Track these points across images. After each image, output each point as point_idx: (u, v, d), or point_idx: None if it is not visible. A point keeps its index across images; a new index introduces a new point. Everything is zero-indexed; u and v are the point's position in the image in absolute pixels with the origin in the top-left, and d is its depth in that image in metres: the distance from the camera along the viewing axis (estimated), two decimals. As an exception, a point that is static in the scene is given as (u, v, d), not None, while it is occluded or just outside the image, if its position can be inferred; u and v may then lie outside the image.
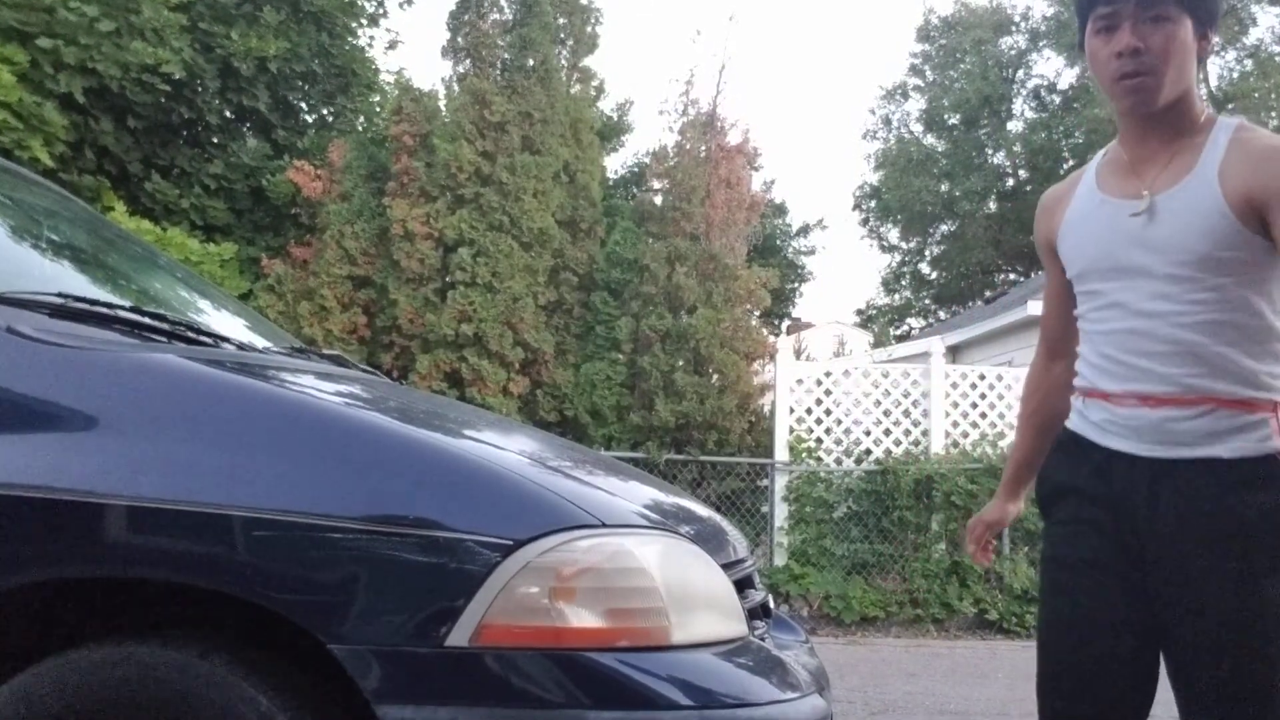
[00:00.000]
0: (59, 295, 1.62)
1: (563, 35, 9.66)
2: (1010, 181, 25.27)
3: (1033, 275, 19.14)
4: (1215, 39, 1.54)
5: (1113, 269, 1.56)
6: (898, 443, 7.73)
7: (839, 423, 7.82)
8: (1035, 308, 11.67)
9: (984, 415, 7.72)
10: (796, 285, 22.33)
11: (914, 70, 27.19)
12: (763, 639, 1.64)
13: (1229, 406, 1.49)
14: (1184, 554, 1.50)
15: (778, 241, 21.24)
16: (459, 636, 1.33)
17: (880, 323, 27.32)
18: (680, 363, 8.23)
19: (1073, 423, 1.69)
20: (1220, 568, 1.48)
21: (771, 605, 1.94)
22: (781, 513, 7.57)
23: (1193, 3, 1.49)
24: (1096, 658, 1.57)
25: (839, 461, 7.73)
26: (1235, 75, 24.29)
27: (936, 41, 26.53)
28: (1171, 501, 1.52)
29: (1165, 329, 1.52)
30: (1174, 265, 1.50)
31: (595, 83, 10.28)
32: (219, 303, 2.39)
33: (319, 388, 1.73)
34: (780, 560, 7.46)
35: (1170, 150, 1.54)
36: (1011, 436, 8.18)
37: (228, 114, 10.01)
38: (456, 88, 9.26)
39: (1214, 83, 24.64)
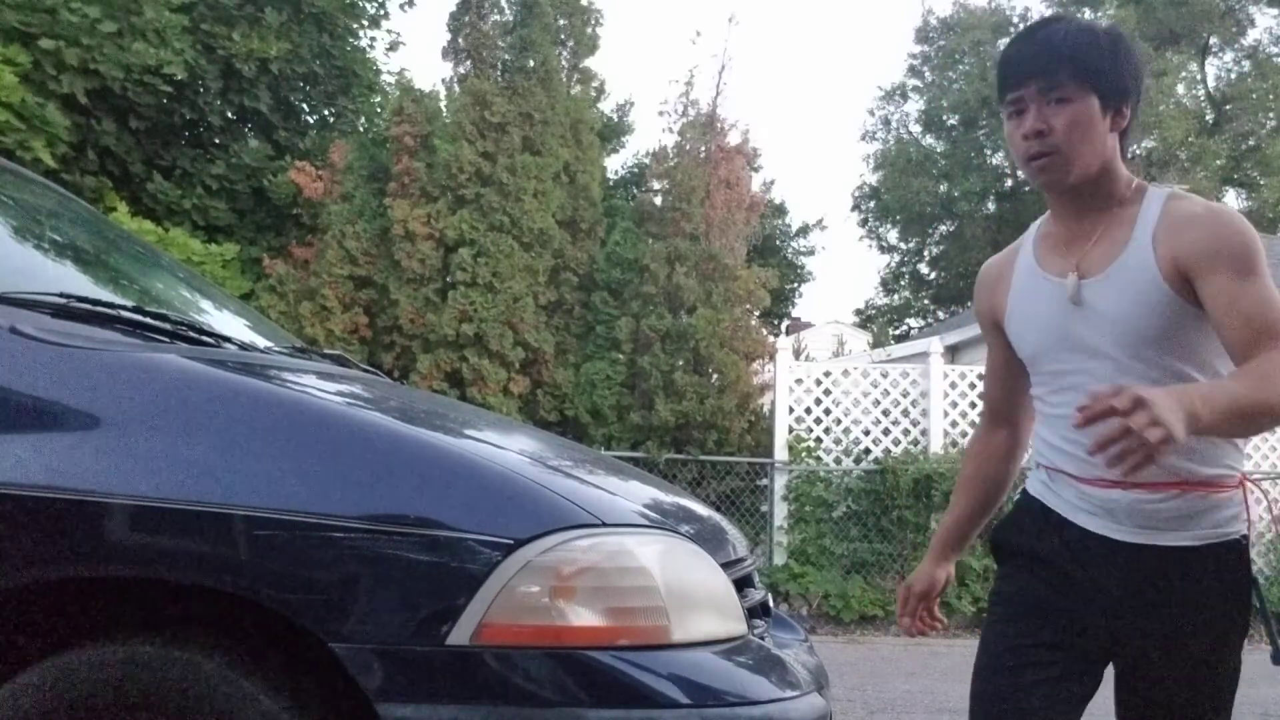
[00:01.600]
0: (62, 295, 1.63)
1: (563, 36, 9.67)
2: (1009, 182, 25.26)
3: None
4: (1132, 110, 1.52)
5: (1065, 349, 1.55)
6: (897, 442, 7.74)
7: (838, 422, 7.83)
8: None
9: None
10: (796, 285, 22.33)
11: (913, 71, 27.20)
12: (762, 638, 1.64)
13: (1197, 489, 1.49)
14: (1149, 637, 1.54)
15: (777, 241, 21.24)
16: (460, 635, 1.34)
17: (879, 323, 27.32)
18: (680, 363, 8.24)
19: (1037, 490, 1.66)
20: (1187, 652, 1.54)
21: (771, 604, 1.94)
22: (781, 512, 7.58)
23: (1096, 81, 1.48)
24: (1028, 684, 1.55)
25: (838, 461, 7.74)
26: (1234, 76, 24.29)
27: (935, 43, 26.53)
28: (1146, 587, 1.53)
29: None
30: (1121, 345, 1.49)
31: (595, 84, 10.29)
32: (221, 303, 2.39)
33: (320, 387, 1.73)
34: (780, 559, 7.46)
35: (1102, 222, 1.54)
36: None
37: (229, 115, 10.01)
38: (457, 89, 9.27)
39: (1212, 84, 24.65)
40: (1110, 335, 1.50)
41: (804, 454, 7.72)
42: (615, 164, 12.37)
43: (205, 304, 2.33)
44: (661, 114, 9.94)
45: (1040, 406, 1.65)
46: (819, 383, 7.90)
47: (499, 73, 9.12)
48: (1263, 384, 1.35)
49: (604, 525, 1.44)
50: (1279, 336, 1.41)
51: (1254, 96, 23.06)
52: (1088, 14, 23.24)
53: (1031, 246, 1.65)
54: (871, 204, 27.60)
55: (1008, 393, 1.77)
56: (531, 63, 8.96)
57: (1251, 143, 23.55)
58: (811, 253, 23.00)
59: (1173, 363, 1.49)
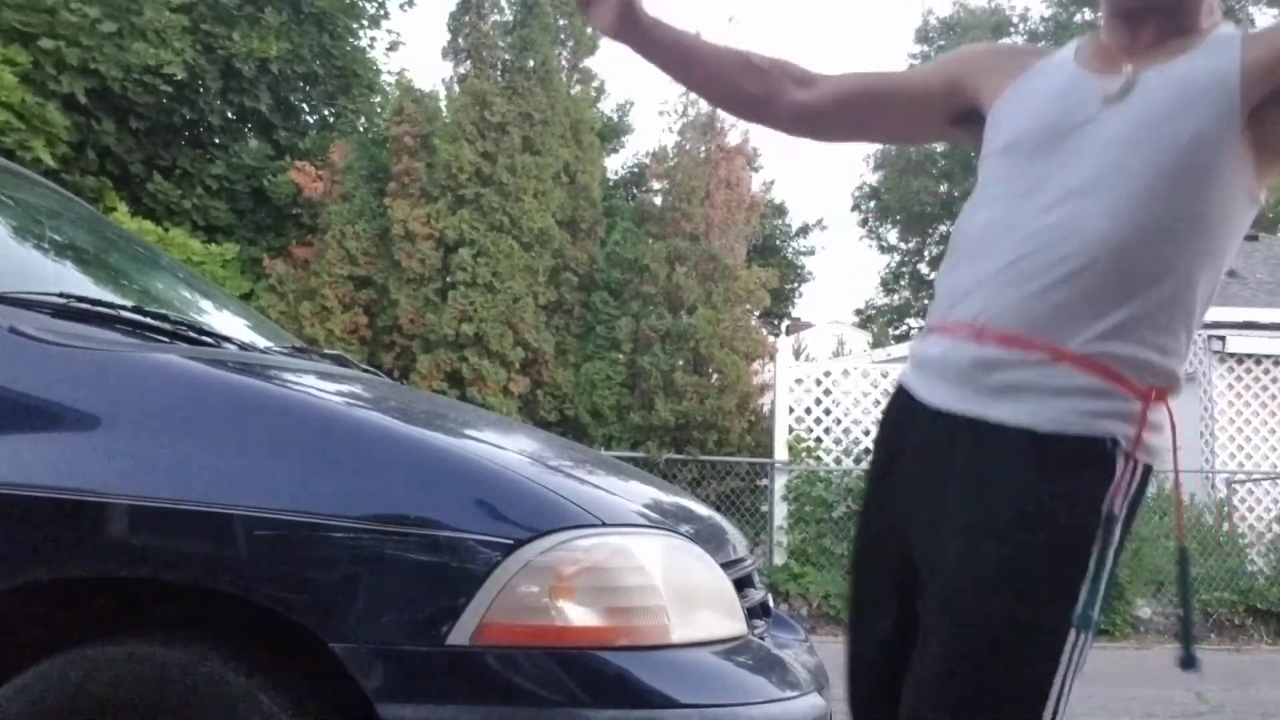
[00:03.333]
0: (61, 295, 1.63)
1: (563, 36, 9.67)
2: (1010, 182, 25.28)
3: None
4: None
5: (1053, 146, 1.17)
6: (898, 443, 7.73)
7: (838, 422, 7.83)
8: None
9: (984, 415, 7.73)
10: (796, 285, 22.32)
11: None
12: (762, 638, 1.64)
13: (1085, 368, 1.10)
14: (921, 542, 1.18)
15: (777, 241, 21.23)
16: (460, 635, 1.34)
17: (879, 323, 27.31)
18: (680, 363, 8.24)
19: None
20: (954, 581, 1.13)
21: (771, 604, 1.94)
22: (781, 512, 7.58)
23: None
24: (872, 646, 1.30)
25: (838, 461, 7.74)
26: (1235, 76, 24.26)
27: (935, 43, 26.52)
28: (935, 472, 1.17)
29: (1070, 233, 1.12)
30: (1134, 163, 1.12)
31: (595, 83, 10.29)
32: (221, 303, 2.39)
33: (320, 388, 1.73)
34: (780, 559, 7.47)
35: (1166, 44, 1.19)
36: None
37: (229, 115, 10.02)
38: (457, 88, 9.27)
39: (1214, 83, 24.62)
40: (1139, 149, 1.12)
41: (804, 454, 7.72)
42: (615, 164, 12.38)
43: (205, 304, 2.33)
44: (661, 114, 9.97)
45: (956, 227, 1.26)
46: (819, 383, 7.91)
47: (499, 73, 9.12)
48: None
49: (604, 525, 1.44)
50: None
51: (1254, 96, 23.03)
52: (1087, 14, 23.25)
53: (1072, 53, 1.27)
54: (871, 204, 27.60)
55: (860, 99, 1.36)
56: (531, 62, 8.96)
57: (1251, 143, 23.53)
58: (811, 253, 23.01)
59: (1199, 214, 1.11)
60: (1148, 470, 1.13)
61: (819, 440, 7.80)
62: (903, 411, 1.25)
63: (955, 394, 1.16)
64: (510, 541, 1.36)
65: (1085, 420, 1.09)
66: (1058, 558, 1.08)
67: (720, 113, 9.12)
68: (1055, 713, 1.09)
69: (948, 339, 1.18)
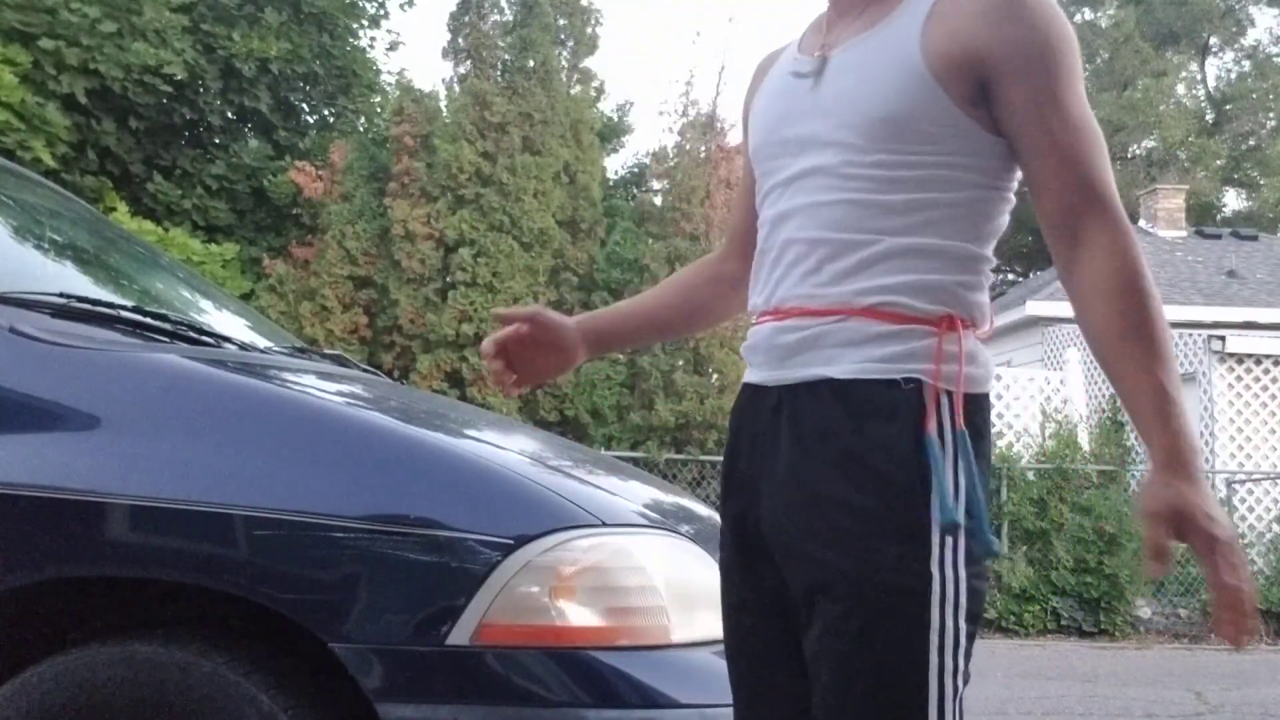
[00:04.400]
0: (61, 295, 1.63)
1: (563, 36, 9.67)
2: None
3: (1032, 275, 19.14)
4: None
5: (780, 143, 1.18)
6: (898, 443, 7.73)
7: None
8: (1034, 308, 11.68)
9: (984, 415, 7.73)
10: (797, 286, 22.30)
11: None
12: (762, 638, 1.64)
13: (873, 317, 1.10)
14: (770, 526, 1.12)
15: (778, 242, 21.21)
16: (460, 635, 1.34)
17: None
18: (680, 362, 8.24)
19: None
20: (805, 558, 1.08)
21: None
22: (782, 513, 7.58)
23: None
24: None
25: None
26: (1234, 76, 24.29)
27: (937, 42, 26.53)
28: (760, 442, 1.16)
29: (814, 207, 1.13)
30: (852, 126, 1.10)
31: (595, 84, 10.29)
32: (221, 303, 2.39)
33: (320, 388, 1.73)
34: (780, 560, 7.46)
35: (868, 9, 1.16)
36: (1009, 436, 8.17)
37: (229, 115, 10.02)
38: (457, 89, 9.27)
39: (1212, 84, 24.66)
40: (840, 115, 1.12)
41: (804, 454, 7.72)
42: (615, 164, 12.38)
43: (205, 304, 2.33)
44: (661, 114, 9.98)
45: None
46: (819, 383, 7.91)
47: (499, 73, 9.12)
48: (1155, 360, 1.02)
49: (604, 525, 1.44)
50: (1094, 204, 1.06)
51: (1254, 96, 23.05)
52: (1087, 14, 23.25)
53: (799, 35, 1.28)
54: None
55: (746, 215, 1.34)
56: (531, 63, 8.96)
57: (1251, 142, 23.54)
58: (811, 253, 22.96)
59: (924, 162, 1.09)
60: (976, 398, 1.11)
61: (819, 440, 7.80)
62: (739, 409, 1.26)
63: (768, 368, 1.18)
64: (510, 541, 1.37)
65: (879, 365, 1.08)
66: (888, 498, 1.05)
67: (720, 113, 9.14)
68: (943, 671, 1.03)
69: (756, 328, 1.21)
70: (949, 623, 1.03)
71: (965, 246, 1.12)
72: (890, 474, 1.05)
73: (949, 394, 1.08)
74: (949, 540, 1.04)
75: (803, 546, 1.08)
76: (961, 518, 1.04)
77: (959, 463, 1.06)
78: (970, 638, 1.05)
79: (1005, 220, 1.16)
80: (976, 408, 1.11)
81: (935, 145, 1.09)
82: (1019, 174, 1.14)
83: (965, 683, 1.05)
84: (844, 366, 1.09)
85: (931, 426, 1.06)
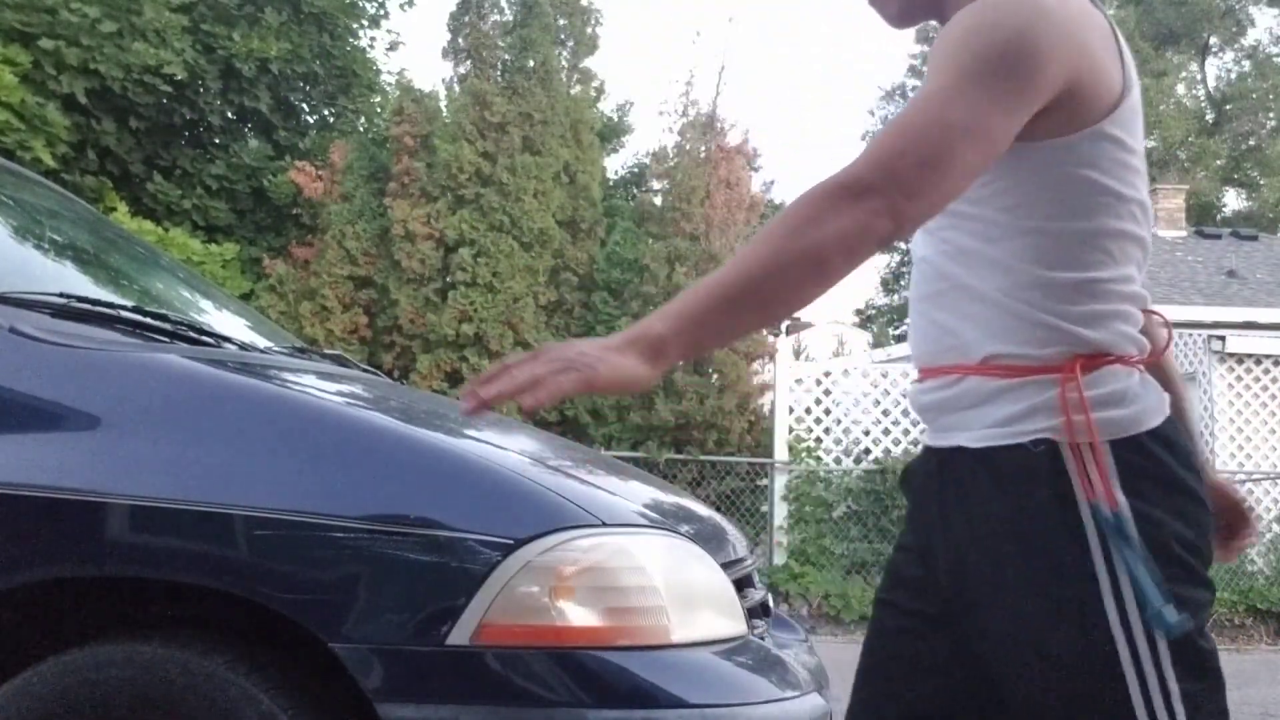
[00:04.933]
0: (61, 295, 1.63)
1: (563, 36, 9.67)
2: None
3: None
4: None
5: None
6: (896, 442, 7.74)
7: (838, 422, 7.83)
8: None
9: (984, 415, 7.74)
10: (797, 286, 22.26)
11: (913, 71, 27.20)
12: (762, 638, 1.64)
13: (977, 372, 1.03)
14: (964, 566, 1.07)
15: (778, 242, 21.19)
16: (460, 635, 1.34)
17: (879, 323, 27.32)
18: (680, 362, 8.24)
19: None
20: (982, 617, 1.04)
21: (771, 604, 1.94)
22: (781, 512, 7.58)
23: None
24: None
25: (838, 461, 7.74)
26: (1233, 76, 24.29)
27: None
28: (927, 508, 1.11)
29: (927, 268, 1.11)
30: None
31: (595, 84, 10.29)
32: (221, 303, 2.39)
33: (320, 388, 1.73)
34: (780, 559, 7.47)
35: None
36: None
37: (229, 115, 10.02)
38: (457, 88, 9.27)
39: (1212, 84, 24.65)
40: None
41: (804, 454, 7.72)
42: (615, 164, 12.38)
43: (205, 304, 2.33)
44: (661, 114, 9.96)
45: None
46: (819, 383, 7.91)
47: (499, 73, 9.12)
48: (742, 255, 0.95)
49: (604, 525, 1.44)
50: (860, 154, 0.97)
51: (1254, 96, 23.05)
52: (1088, 14, 23.21)
53: None
54: (871, 204, 27.61)
55: None
56: (531, 63, 8.96)
57: (1251, 143, 23.54)
58: (811, 253, 22.92)
59: (981, 199, 1.04)
60: (1127, 442, 0.99)
61: (819, 440, 7.80)
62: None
63: (930, 431, 1.13)
64: (510, 541, 1.37)
65: (1005, 429, 1.00)
66: (1054, 575, 0.97)
67: (720, 112, 9.13)
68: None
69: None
70: (1160, 692, 0.95)
71: (1084, 275, 1.01)
72: (1045, 543, 0.97)
73: (1088, 447, 0.97)
74: (1148, 606, 0.95)
75: (983, 616, 1.02)
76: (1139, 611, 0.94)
77: (1147, 523, 0.96)
78: (1188, 697, 0.96)
79: (1113, 224, 1.02)
80: (1134, 447, 0.99)
81: (993, 187, 1.01)
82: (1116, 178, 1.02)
83: None
84: (974, 434, 1.03)
85: (1092, 489, 0.96)
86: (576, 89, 9.66)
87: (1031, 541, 0.99)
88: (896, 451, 7.67)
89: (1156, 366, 1.11)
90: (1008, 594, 1.00)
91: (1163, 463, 1.00)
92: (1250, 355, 9.18)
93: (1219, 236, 14.71)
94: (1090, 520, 0.96)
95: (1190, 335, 9.49)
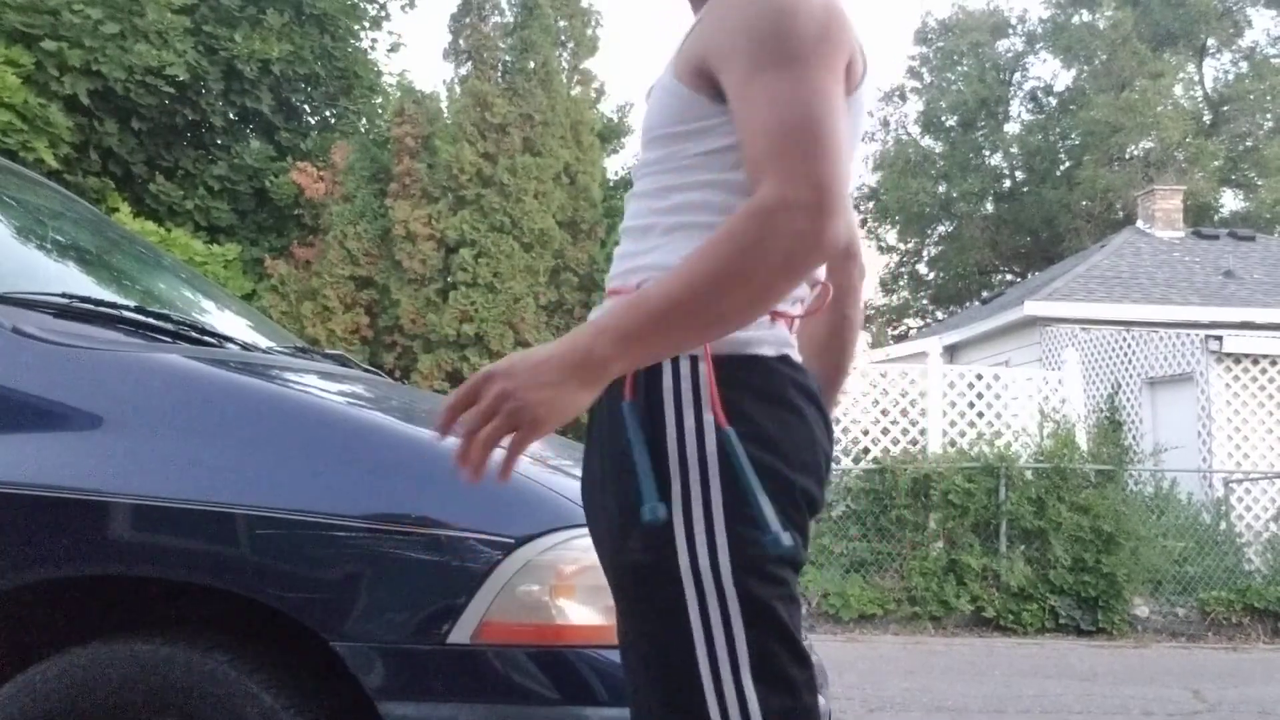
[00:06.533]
0: (64, 296, 1.63)
1: (563, 38, 9.68)
2: (1007, 183, 25.27)
3: (1030, 275, 19.15)
4: None
5: None
6: (895, 442, 7.75)
7: (837, 422, 7.84)
8: (1033, 308, 11.68)
9: (981, 415, 7.75)
10: (796, 286, 22.27)
11: (912, 73, 27.20)
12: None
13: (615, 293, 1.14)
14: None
15: (778, 242, 21.18)
16: (460, 634, 1.35)
17: (878, 323, 27.34)
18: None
19: None
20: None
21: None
22: (781, 513, 7.58)
23: None
24: None
25: (837, 461, 7.75)
26: (1231, 77, 24.29)
27: (934, 44, 26.53)
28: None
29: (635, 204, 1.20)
30: (644, 144, 1.13)
31: (596, 85, 10.30)
32: (222, 303, 2.40)
33: (322, 387, 1.74)
34: (780, 560, 7.47)
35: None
36: (1008, 436, 8.21)
37: (231, 116, 10.04)
38: (458, 90, 9.28)
39: (1209, 85, 24.67)
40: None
41: (803, 454, 7.72)
42: (615, 165, 12.39)
43: (207, 304, 2.33)
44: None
45: None
46: (818, 383, 7.91)
47: (499, 74, 9.13)
48: (679, 270, 0.93)
49: (603, 524, 1.45)
50: (766, 168, 0.93)
51: (1251, 97, 23.05)
52: (1085, 15, 23.26)
53: None
54: (870, 204, 27.62)
55: None
56: (532, 64, 8.98)
57: (1249, 143, 23.54)
58: (811, 253, 22.93)
59: (692, 170, 1.06)
60: (734, 361, 0.99)
61: (818, 441, 7.81)
62: None
63: None
64: (511, 540, 1.37)
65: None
66: (625, 491, 0.97)
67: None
68: (715, 659, 0.94)
69: None
70: (723, 635, 0.94)
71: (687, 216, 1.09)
72: (608, 450, 1.01)
73: (694, 362, 0.98)
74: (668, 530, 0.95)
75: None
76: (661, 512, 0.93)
77: (750, 444, 0.95)
78: (752, 644, 0.95)
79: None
80: (744, 366, 0.99)
81: (709, 151, 1.05)
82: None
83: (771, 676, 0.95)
84: None
85: (629, 393, 0.98)
86: (577, 90, 9.67)
87: (597, 440, 1.05)
88: (895, 451, 7.67)
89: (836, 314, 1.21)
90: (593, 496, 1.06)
91: (762, 390, 1.00)
92: (1247, 355, 9.20)
93: (1216, 237, 14.71)
94: (631, 427, 0.98)
95: (1187, 335, 9.50)
